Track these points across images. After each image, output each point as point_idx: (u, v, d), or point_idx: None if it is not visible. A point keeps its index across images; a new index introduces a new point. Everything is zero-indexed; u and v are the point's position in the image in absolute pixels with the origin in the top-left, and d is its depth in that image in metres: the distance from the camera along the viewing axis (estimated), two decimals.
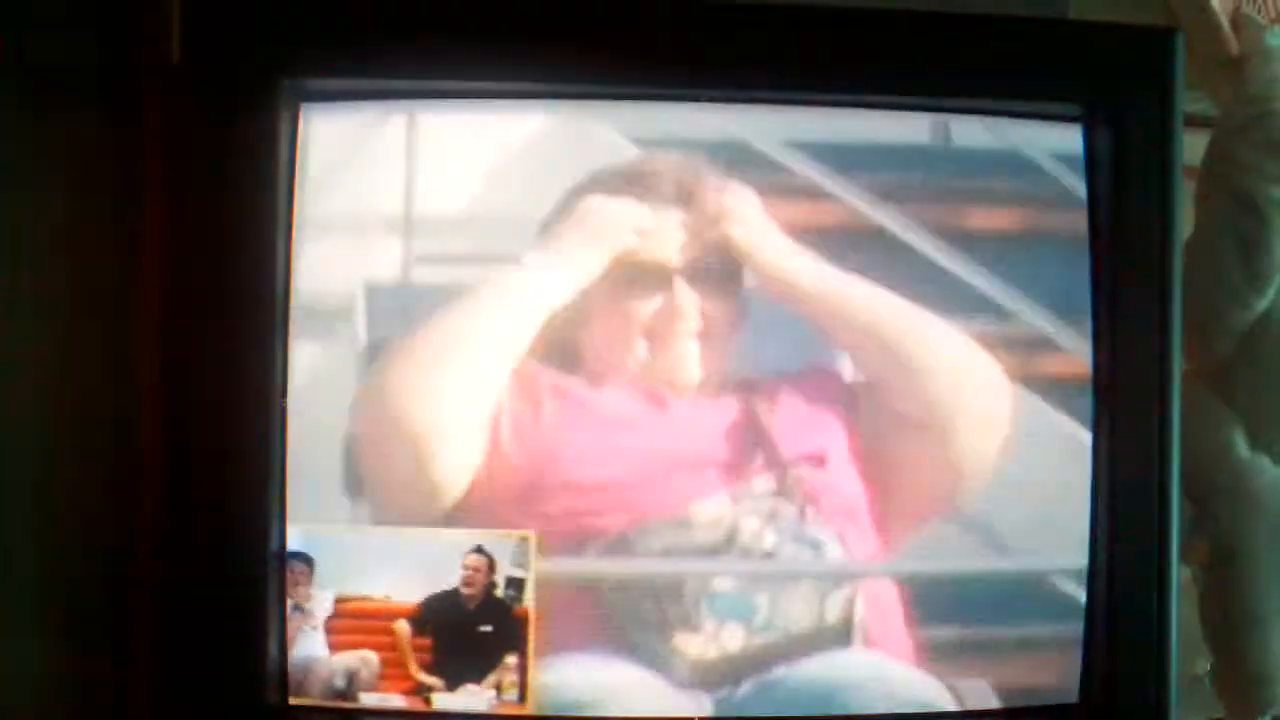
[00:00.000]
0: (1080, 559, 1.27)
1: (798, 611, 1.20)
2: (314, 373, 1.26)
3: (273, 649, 1.28)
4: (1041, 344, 1.27)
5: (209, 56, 1.28)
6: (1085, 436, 1.28)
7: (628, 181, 1.26)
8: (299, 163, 1.27)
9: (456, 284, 1.25)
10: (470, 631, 1.29)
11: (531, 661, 1.29)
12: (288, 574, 1.28)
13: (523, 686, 1.30)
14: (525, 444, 1.24)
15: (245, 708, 1.28)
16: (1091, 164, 1.34)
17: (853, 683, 1.21)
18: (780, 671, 1.20)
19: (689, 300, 1.26)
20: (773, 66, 1.28)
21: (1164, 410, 1.34)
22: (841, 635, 1.21)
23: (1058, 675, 1.28)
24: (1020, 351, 1.27)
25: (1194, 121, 1.43)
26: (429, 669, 1.30)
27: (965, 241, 1.24)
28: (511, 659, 1.30)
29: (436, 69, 1.27)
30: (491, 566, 1.29)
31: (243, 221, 1.26)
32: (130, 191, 1.38)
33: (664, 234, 1.26)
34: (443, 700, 1.31)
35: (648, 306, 1.27)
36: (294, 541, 1.29)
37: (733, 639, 1.19)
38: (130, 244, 1.39)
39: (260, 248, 1.27)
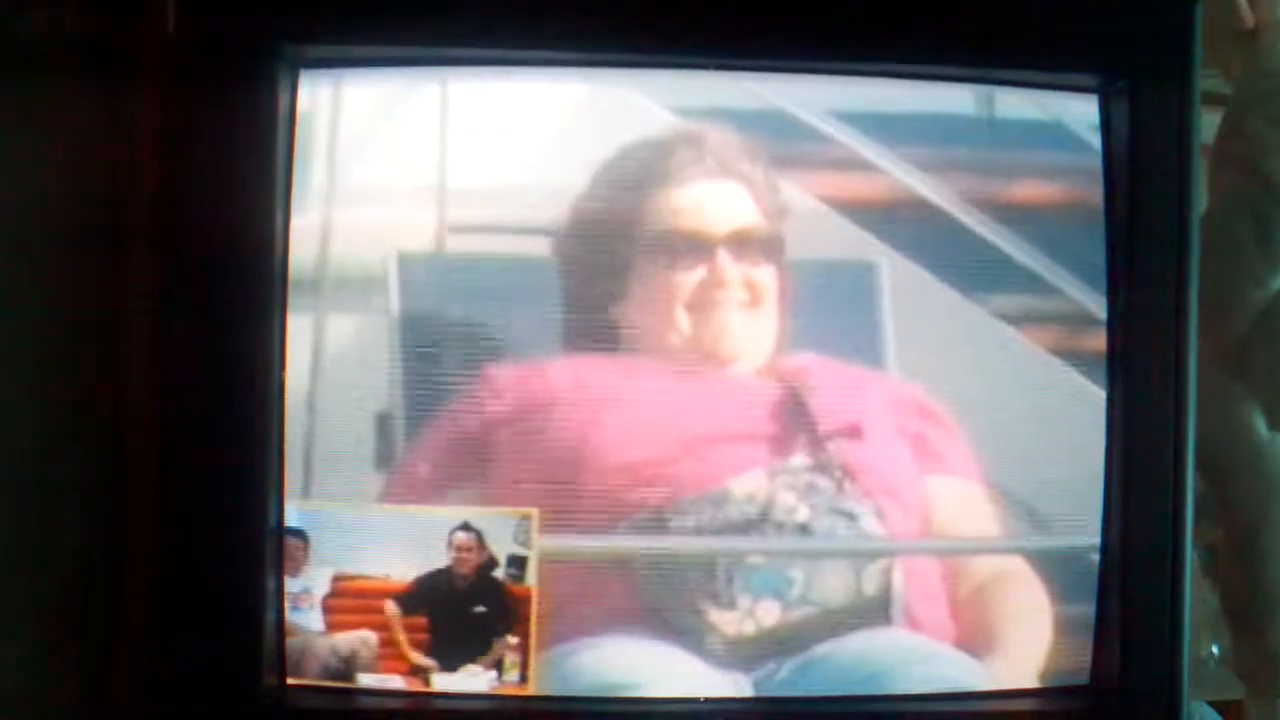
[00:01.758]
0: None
1: (834, 586, 1.19)
2: (344, 344, 1.24)
3: (269, 629, 1.26)
4: (1084, 319, 1.26)
5: (204, 24, 1.26)
6: None
7: (664, 151, 1.24)
8: (299, 130, 1.25)
9: (488, 256, 1.24)
10: (468, 611, 1.27)
11: (534, 642, 1.26)
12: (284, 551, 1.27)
13: (524, 667, 1.28)
14: (556, 423, 1.22)
15: (242, 688, 1.26)
16: (1107, 136, 1.32)
17: (894, 661, 1.20)
18: (820, 650, 1.19)
19: (731, 271, 1.25)
20: (785, 33, 1.26)
21: (1180, 389, 1.32)
22: (880, 611, 1.20)
23: (1081, 655, 1.28)
24: (1062, 326, 1.26)
25: (1207, 99, 1.40)
26: (427, 649, 1.28)
27: (1010, 215, 1.23)
28: (513, 639, 1.28)
29: (442, 34, 1.24)
30: (482, 544, 1.26)
31: (240, 191, 1.24)
32: (126, 162, 1.36)
33: (703, 204, 1.25)
34: (442, 681, 1.29)
35: (688, 278, 1.25)
36: (291, 518, 1.27)
37: (768, 614, 1.18)
38: (125, 217, 1.37)
39: (259, 218, 1.24)
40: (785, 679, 1.19)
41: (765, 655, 1.20)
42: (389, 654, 1.28)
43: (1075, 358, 1.26)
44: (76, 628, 1.37)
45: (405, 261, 1.24)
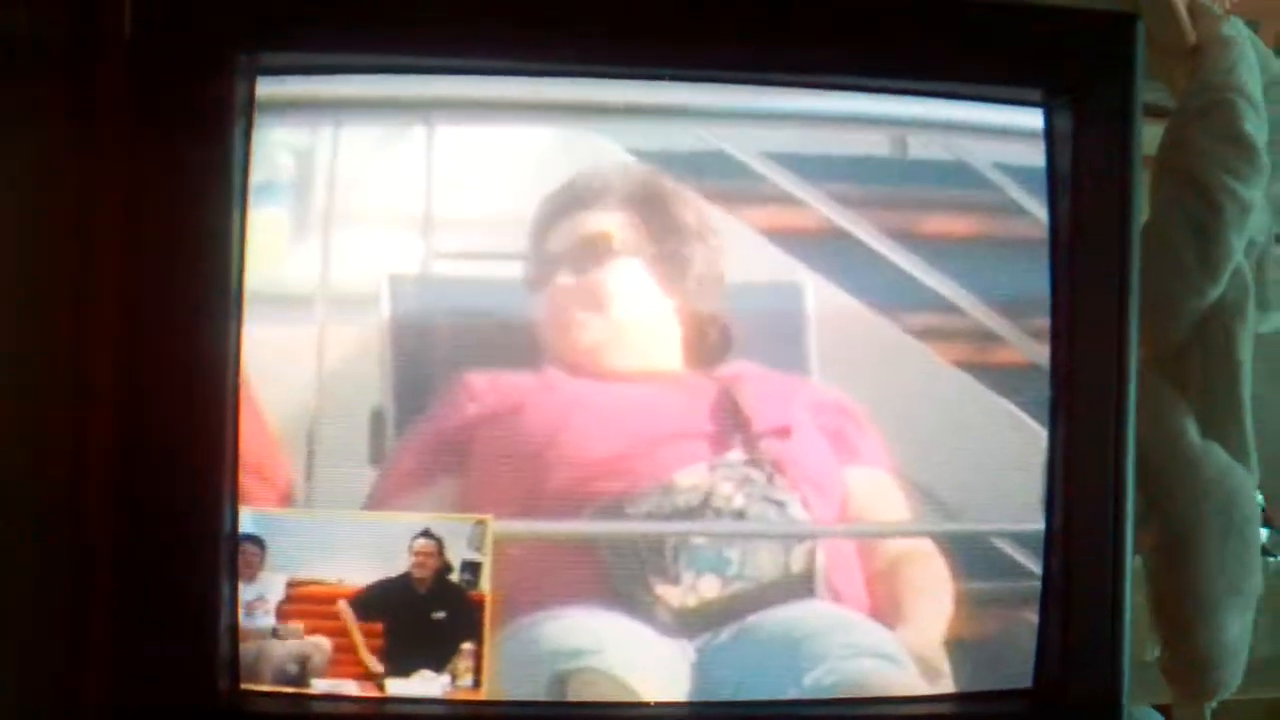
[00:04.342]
0: (1013, 524, 1.36)
1: (765, 564, 1.32)
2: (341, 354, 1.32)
3: (223, 634, 1.27)
4: (983, 336, 1.35)
5: (161, 31, 1.26)
6: (1022, 416, 1.37)
7: (627, 190, 1.35)
8: (255, 139, 1.28)
9: (468, 280, 1.35)
10: (423, 617, 1.31)
11: (489, 646, 1.31)
12: (239, 557, 1.28)
13: (478, 672, 1.31)
14: (524, 426, 1.33)
15: (196, 693, 1.27)
16: (1051, 148, 1.36)
17: (816, 628, 1.33)
18: (753, 619, 1.32)
19: (677, 295, 1.36)
20: (733, 43, 1.31)
21: (1120, 397, 1.35)
22: (805, 585, 1.33)
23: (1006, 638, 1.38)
24: (964, 341, 1.36)
25: (1151, 110, 1.43)
26: (381, 654, 1.31)
27: (919, 244, 1.34)
28: (467, 645, 1.31)
29: (402, 44, 1.28)
30: (441, 550, 1.30)
31: (197, 200, 1.25)
32: (84, 170, 1.36)
33: (638, 230, 1.36)
34: (396, 686, 1.31)
35: (640, 300, 1.37)
36: (246, 524, 1.29)
37: (709, 588, 1.31)
38: (84, 225, 1.36)
39: (215, 227, 1.26)
40: (723, 644, 1.32)
41: (706, 623, 1.32)
42: (343, 659, 1.30)
43: (976, 369, 1.37)
44: (32, 631, 1.37)
45: (397, 282, 1.34)
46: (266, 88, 1.28)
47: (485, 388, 1.33)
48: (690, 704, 1.32)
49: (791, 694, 1.31)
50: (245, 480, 1.28)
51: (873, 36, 1.33)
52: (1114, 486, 1.35)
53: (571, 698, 1.30)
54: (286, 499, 1.30)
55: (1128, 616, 1.35)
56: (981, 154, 1.37)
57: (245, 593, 1.29)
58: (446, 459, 1.32)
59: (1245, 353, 1.56)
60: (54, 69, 1.36)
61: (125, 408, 1.27)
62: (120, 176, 1.28)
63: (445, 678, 1.31)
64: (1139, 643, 1.47)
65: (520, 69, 1.33)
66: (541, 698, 1.30)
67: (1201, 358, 1.56)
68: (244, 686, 1.29)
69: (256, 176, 1.28)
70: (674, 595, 1.31)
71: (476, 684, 1.31)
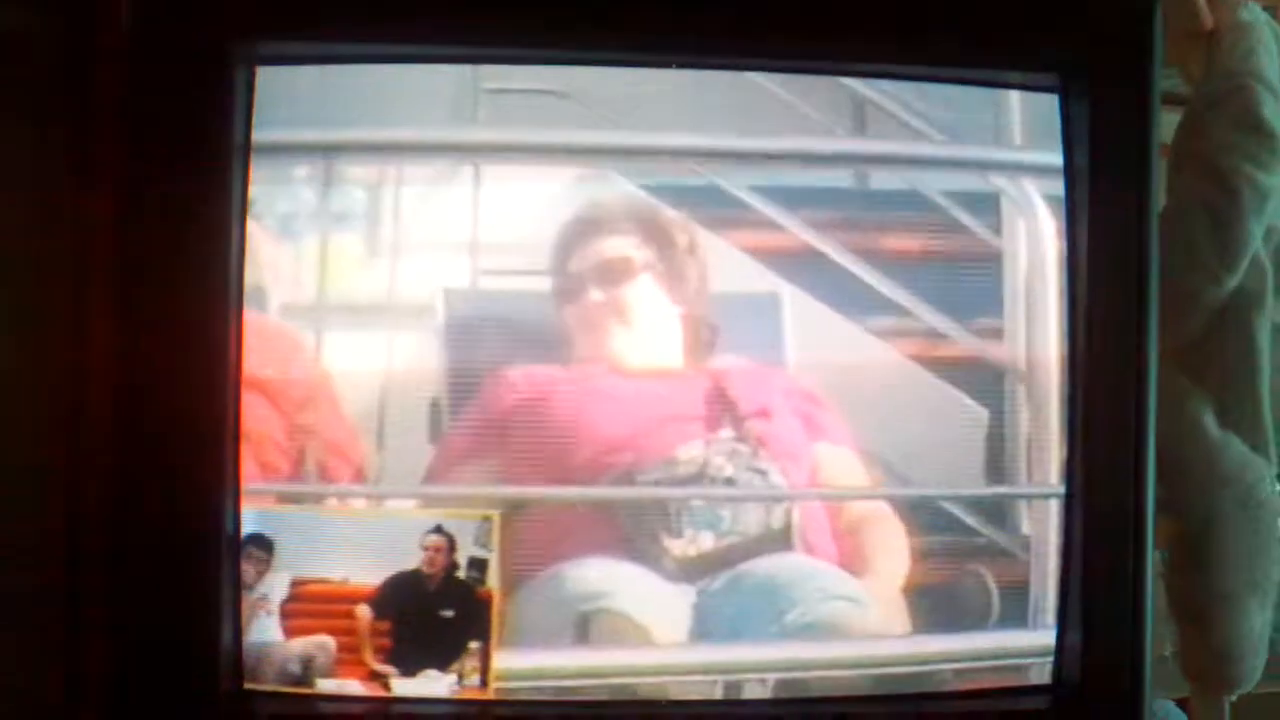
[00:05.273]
0: (957, 489, 1.51)
1: (751, 522, 1.52)
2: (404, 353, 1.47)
3: (227, 634, 1.27)
4: (933, 334, 1.50)
5: (161, 23, 1.27)
6: (964, 399, 1.50)
7: (617, 213, 1.54)
8: (254, 127, 1.31)
9: (508, 293, 1.54)
10: (431, 615, 1.34)
11: (495, 644, 1.34)
12: (244, 557, 1.30)
13: (485, 671, 1.33)
14: (551, 411, 1.50)
15: (200, 693, 1.27)
16: (1068, 135, 1.36)
17: (794, 576, 1.51)
18: (742, 567, 1.51)
19: (678, 304, 1.55)
20: (737, 28, 1.35)
21: (1141, 389, 1.34)
22: (783, 540, 1.52)
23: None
24: (916, 339, 1.51)
25: (1166, 98, 1.42)
26: (387, 654, 1.32)
27: (877, 259, 1.51)
28: (474, 644, 1.33)
29: (400, 32, 1.31)
30: (452, 546, 1.34)
31: (196, 192, 1.26)
32: (83, 161, 1.34)
33: (642, 250, 1.55)
34: (402, 686, 1.32)
35: (647, 309, 1.56)
36: (252, 524, 1.30)
37: (705, 542, 1.50)
38: (83, 220, 1.35)
39: (214, 221, 1.26)
40: (718, 588, 1.50)
41: (704, 571, 1.50)
42: (348, 659, 1.32)
43: (926, 361, 1.51)
44: (33, 636, 1.35)
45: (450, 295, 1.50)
46: (344, 133, 1.42)
47: (520, 380, 1.49)
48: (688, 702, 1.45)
49: (774, 630, 1.48)
50: (324, 458, 1.40)
51: (889, 22, 1.33)
52: (1135, 480, 1.34)
53: (593, 636, 1.44)
54: (360, 474, 1.42)
55: (1149, 611, 1.34)
56: (931, 183, 1.50)
57: (249, 592, 1.30)
58: (490, 439, 1.47)
59: (1264, 342, 1.55)
60: (52, 68, 1.35)
61: (125, 405, 1.27)
62: (118, 173, 1.29)
63: (452, 677, 1.32)
64: (1157, 638, 1.45)
65: (519, 56, 1.40)
66: (566, 637, 1.43)
67: (1220, 348, 1.55)
68: (248, 687, 1.29)
69: (335, 207, 1.44)
70: (677, 548, 1.49)
71: (484, 683, 1.32)
